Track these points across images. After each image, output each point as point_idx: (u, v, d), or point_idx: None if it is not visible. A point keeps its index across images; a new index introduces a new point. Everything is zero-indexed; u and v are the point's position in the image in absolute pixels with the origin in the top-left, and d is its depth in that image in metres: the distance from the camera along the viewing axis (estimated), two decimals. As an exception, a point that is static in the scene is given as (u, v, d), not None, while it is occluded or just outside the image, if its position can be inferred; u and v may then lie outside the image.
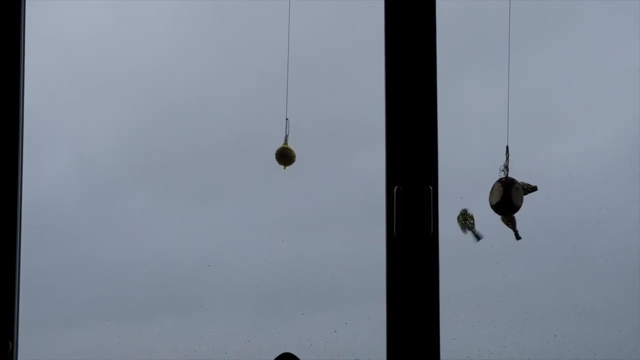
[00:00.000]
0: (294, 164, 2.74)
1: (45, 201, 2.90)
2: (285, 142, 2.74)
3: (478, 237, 2.69)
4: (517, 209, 2.62)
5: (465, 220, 2.68)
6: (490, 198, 2.64)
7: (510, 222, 2.64)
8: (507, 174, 2.65)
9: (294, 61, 2.75)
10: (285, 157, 2.72)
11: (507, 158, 2.66)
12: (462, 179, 2.72)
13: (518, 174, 2.65)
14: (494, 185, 2.64)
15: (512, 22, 2.71)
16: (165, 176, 2.96)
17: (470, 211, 2.68)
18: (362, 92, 2.76)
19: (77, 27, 2.96)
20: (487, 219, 2.71)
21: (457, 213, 2.68)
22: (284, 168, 2.72)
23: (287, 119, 2.73)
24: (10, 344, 2.47)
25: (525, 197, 2.63)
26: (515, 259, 2.76)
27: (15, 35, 2.61)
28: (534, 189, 2.64)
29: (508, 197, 2.61)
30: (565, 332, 2.68)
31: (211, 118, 2.94)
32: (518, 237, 2.64)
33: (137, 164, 2.97)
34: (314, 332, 2.72)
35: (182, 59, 2.95)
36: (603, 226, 2.75)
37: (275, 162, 2.73)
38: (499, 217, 2.66)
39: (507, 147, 2.67)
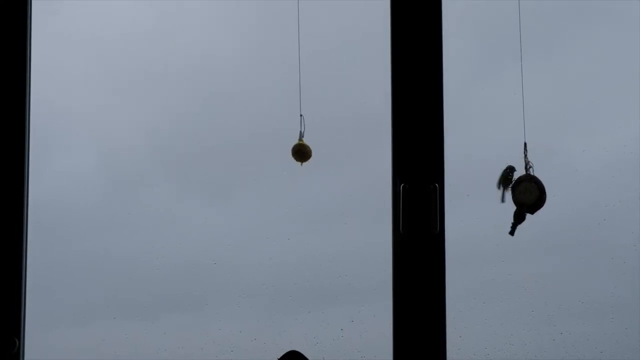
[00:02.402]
0: (307, 161, 2.74)
1: (61, 198, 2.91)
2: (301, 139, 2.73)
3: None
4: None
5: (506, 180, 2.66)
6: (522, 198, 2.63)
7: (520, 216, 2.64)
8: (527, 171, 2.65)
9: (306, 57, 2.75)
10: (301, 153, 2.72)
11: (526, 155, 2.66)
12: (469, 176, 2.72)
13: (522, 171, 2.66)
14: (524, 185, 2.63)
15: (530, 20, 2.72)
16: (176, 175, 2.96)
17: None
18: (371, 89, 2.76)
19: (105, 25, 2.96)
20: (492, 217, 2.72)
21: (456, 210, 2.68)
22: (301, 164, 2.72)
23: (301, 115, 2.72)
24: (17, 341, 2.47)
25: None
26: (522, 256, 2.76)
27: (22, 34, 2.61)
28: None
29: (543, 196, 2.61)
30: (572, 330, 2.68)
31: (225, 116, 2.94)
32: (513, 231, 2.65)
33: (152, 163, 2.97)
34: (321, 330, 2.72)
35: (201, 57, 2.94)
36: (609, 223, 2.75)
37: (283, 160, 2.73)
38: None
39: (525, 144, 2.67)
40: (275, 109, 2.88)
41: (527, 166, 2.66)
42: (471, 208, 2.72)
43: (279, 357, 2.51)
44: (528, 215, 2.64)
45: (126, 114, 2.95)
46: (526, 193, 2.63)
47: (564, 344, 2.67)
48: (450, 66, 2.55)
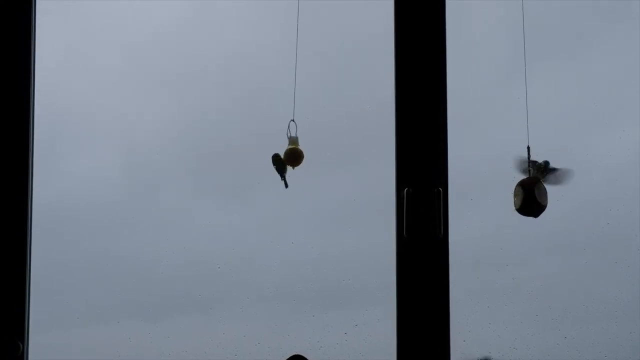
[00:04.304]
0: (304, 165, 2.74)
1: (71, 199, 2.91)
2: (294, 143, 2.73)
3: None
4: (543, 208, 2.62)
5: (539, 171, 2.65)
6: (514, 200, 2.63)
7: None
8: (530, 175, 2.65)
9: (311, 60, 2.75)
10: (293, 157, 2.72)
11: (529, 158, 2.65)
12: (473, 179, 2.72)
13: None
14: (515, 188, 2.63)
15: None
16: (182, 178, 2.96)
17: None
18: (376, 92, 2.75)
19: (124, 25, 2.96)
20: (496, 221, 2.72)
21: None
22: (293, 168, 2.73)
23: (292, 121, 2.73)
24: (21, 345, 2.47)
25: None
26: (525, 260, 2.76)
27: (26, 33, 2.61)
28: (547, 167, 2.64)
29: (532, 198, 2.60)
30: (576, 334, 2.68)
31: (231, 119, 2.94)
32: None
33: (161, 165, 2.97)
34: (324, 334, 2.72)
35: (224, 58, 2.94)
36: (613, 228, 2.74)
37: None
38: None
39: (528, 148, 2.66)
40: (278, 111, 2.88)
41: (528, 169, 2.66)
42: (475, 212, 2.72)
43: (282, 361, 2.52)
44: (532, 219, 2.64)
45: (140, 114, 2.95)
46: (516, 196, 2.63)
47: (568, 348, 2.67)
48: (456, 68, 2.56)
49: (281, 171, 2.74)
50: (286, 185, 2.75)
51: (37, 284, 2.58)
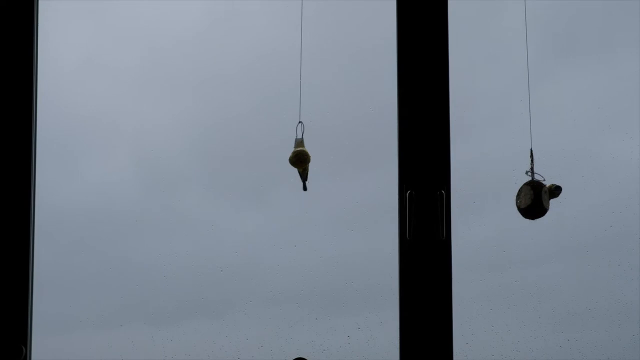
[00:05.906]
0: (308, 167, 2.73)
1: (84, 204, 2.91)
2: (300, 145, 2.71)
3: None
4: (545, 212, 2.62)
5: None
6: (518, 201, 2.63)
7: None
8: (532, 177, 2.65)
9: (313, 63, 2.76)
10: (300, 159, 2.70)
11: (532, 161, 2.66)
12: (476, 182, 2.72)
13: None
14: (522, 188, 2.63)
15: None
16: (184, 182, 2.96)
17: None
18: (379, 96, 2.76)
19: (152, 28, 2.96)
20: (499, 224, 2.72)
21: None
22: (302, 170, 2.71)
23: (300, 122, 2.72)
24: (24, 349, 2.47)
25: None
26: (528, 263, 2.75)
27: (28, 38, 2.62)
28: (558, 188, 2.64)
29: (539, 201, 2.61)
30: (579, 337, 2.68)
31: (233, 124, 2.94)
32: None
33: (166, 170, 2.97)
34: (327, 336, 2.72)
35: (241, 62, 2.94)
36: (616, 230, 2.74)
37: (290, 168, 2.72)
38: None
39: (531, 151, 2.67)
40: (283, 114, 2.88)
41: (531, 172, 2.66)
42: (478, 215, 2.72)
43: (286, 364, 2.52)
44: (534, 223, 2.65)
45: (149, 117, 2.95)
46: None
47: (570, 350, 2.67)
48: (459, 70, 2.56)
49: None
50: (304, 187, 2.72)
51: (40, 287, 2.58)
